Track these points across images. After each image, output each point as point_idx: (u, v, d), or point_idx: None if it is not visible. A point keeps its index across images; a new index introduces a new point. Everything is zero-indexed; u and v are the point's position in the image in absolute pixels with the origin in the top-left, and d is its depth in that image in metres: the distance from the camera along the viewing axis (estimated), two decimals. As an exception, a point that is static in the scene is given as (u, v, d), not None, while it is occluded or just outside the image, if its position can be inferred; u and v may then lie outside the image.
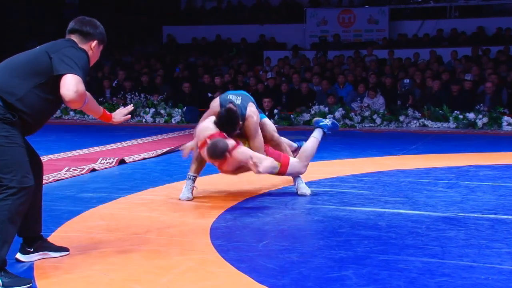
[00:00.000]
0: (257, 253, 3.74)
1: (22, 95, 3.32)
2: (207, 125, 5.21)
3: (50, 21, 19.04)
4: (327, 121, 5.83)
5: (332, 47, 16.62)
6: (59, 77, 3.29)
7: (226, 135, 5.10)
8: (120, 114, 4.05)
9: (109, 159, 7.30)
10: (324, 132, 5.72)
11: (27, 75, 3.35)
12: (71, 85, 3.25)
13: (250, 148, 5.23)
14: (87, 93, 3.45)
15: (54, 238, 3.99)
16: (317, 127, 5.75)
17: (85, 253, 3.74)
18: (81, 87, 3.28)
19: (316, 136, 5.68)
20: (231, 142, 5.05)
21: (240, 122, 5.21)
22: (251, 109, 5.30)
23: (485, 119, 11.11)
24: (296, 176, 5.49)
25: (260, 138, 5.33)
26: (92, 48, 3.59)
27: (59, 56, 3.33)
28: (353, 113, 11.86)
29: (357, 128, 11.60)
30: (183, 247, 3.86)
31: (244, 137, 5.33)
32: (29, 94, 3.33)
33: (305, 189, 5.45)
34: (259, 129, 5.36)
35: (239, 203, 5.12)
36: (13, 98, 3.30)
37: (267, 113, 12.36)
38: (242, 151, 5.05)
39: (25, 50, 3.58)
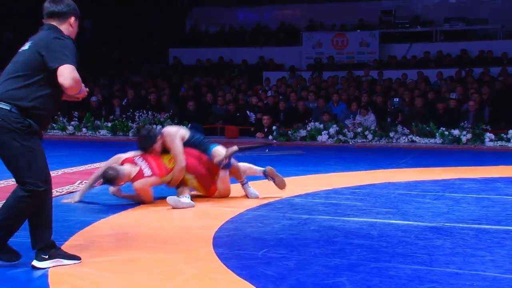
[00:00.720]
0: (257, 260, 3.72)
1: (31, 96, 3.46)
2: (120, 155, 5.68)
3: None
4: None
5: (327, 68, 16.67)
6: (55, 70, 3.40)
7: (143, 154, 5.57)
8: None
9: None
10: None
11: (27, 76, 3.47)
12: (67, 74, 3.38)
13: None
14: None
15: (67, 247, 3.98)
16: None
17: (96, 261, 3.73)
18: (76, 74, 3.43)
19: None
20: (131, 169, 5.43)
21: (157, 138, 5.60)
22: (166, 129, 5.81)
23: (469, 135, 11.11)
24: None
25: (175, 146, 5.59)
26: (72, 24, 3.69)
27: (49, 52, 3.45)
28: (346, 130, 11.86)
29: (350, 143, 11.59)
30: (187, 255, 3.85)
31: (167, 152, 5.68)
32: (36, 92, 3.48)
33: (254, 195, 5.78)
34: (175, 140, 5.62)
35: (239, 214, 5.11)
36: (25, 102, 3.44)
37: (265, 129, 12.43)
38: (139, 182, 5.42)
39: None
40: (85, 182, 6.57)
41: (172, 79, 16.91)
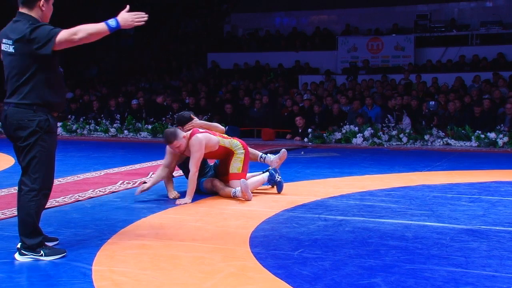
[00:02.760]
0: (292, 260, 3.72)
1: (42, 89, 3.65)
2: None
3: (108, 49, 19.44)
4: (277, 176, 6.19)
5: (362, 71, 16.54)
6: (51, 53, 3.58)
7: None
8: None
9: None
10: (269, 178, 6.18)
11: (29, 74, 3.63)
12: (66, 36, 3.57)
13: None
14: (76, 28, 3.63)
15: (109, 245, 4.05)
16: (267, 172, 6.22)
17: (137, 259, 3.78)
18: (66, 33, 3.57)
19: (264, 176, 6.17)
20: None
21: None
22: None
23: (506, 139, 10.86)
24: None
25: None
26: (41, 7, 3.74)
27: (36, 44, 3.57)
28: (381, 132, 11.74)
29: (385, 146, 11.47)
30: (225, 254, 3.87)
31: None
32: (43, 83, 3.65)
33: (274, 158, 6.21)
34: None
35: (275, 214, 5.11)
36: (41, 99, 3.65)
37: (300, 130, 12.39)
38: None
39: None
40: (126, 183, 6.69)
41: (210, 82, 17.02)
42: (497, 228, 4.54)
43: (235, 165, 5.98)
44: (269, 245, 4.11)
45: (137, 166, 8.23)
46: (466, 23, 17.66)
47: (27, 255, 3.70)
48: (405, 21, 17.90)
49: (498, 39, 17.08)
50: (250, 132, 13.18)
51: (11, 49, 3.65)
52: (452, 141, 11.31)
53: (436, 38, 17.54)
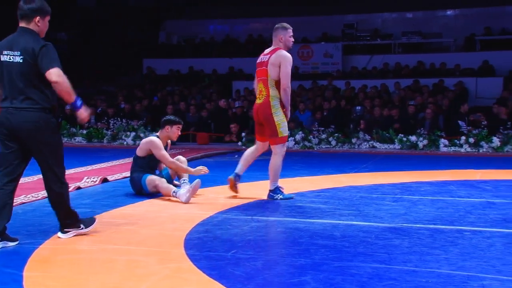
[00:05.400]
0: (226, 261, 3.72)
1: (49, 93, 3.98)
2: None
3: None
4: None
5: (293, 77, 16.72)
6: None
7: None
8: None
9: (93, 178, 7.20)
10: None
11: (36, 81, 3.93)
12: (58, 73, 3.94)
13: None
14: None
15: (42, 251, 3.92)
16: None
17: (71, 264, 3.67)
18: (60, 72, 3.97)
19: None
20: None
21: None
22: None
23: (425, 141, 11.30)
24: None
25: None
26: (37, 22, 4.01)
27: (39, 63, 3.89)
28: (311, 136, 11.94)
29: (315, 149, 11.68)
30: (160, 256, 3.82)
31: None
32: (47, 88, 3.96)
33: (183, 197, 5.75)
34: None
35: (210, 217, 5.09)
36: (49, 101, 4.01)
37: (234, 135, 12.42)
38: None
39: None
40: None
41: (145, 88, 16.79)
42: (418, 225, 4.71)
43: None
44: (204, 246, 4.09)
45: (72, 171, 8.00)
46: (389, 32, 18.25)
47: None
48: (333, 30, 18.31)
49: (418, 48, 17.77)
50: (186, 136, 13.10)
51: (17, 59, 3.93)
52: (377, 144, 11.65)
53: (362, 46, 18.03)
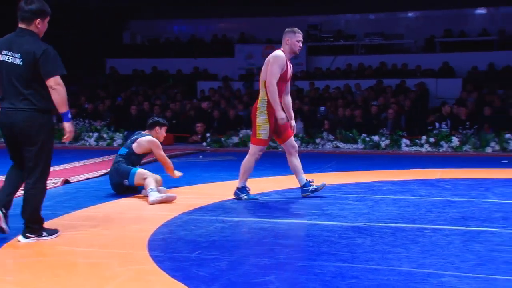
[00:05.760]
0: (190, 262, 3.70)
1: (47, 96, 4.00)
2: None
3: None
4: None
5: (258, 78, 16.77)
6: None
7: None
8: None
9: (54, 180, 7.05)
10: None
11: (35, 83, 3.98)
12: (57, 80, 4.00)
13: None
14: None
15: (1, 254, 3.82)
16: None
17: (32, 267, 3.60)
18: (58, 80, 4.04)
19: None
20: None
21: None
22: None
23: (387, 141, 11.48)
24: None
25: None
26: (37, 24, 4.06)
27: (40, 66, 3.95)
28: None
29: (280, 149, 11.72)
30: (123, 258, 3.78)
31: None
32: (46, 90, 4.00)
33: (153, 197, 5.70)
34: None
35: (174, 217, 5.06)
36: (48, 103, 4.03)
37: (199, 136, 12.38)
38: None
39: None
40: (20, 190, 6.31)
41: (109, 88, 16.57)
42: (380, 224, 4.77)
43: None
44: (167, 248, 4.06)
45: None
46: (352, 33, 18.47)
47: None
48: (297, 31, 18.39)
49: (380, 49, 18.04)
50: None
51: (17, 61, 3.97)
52: (341, 144, 11.77)
53: (325, 47, 18.19)
